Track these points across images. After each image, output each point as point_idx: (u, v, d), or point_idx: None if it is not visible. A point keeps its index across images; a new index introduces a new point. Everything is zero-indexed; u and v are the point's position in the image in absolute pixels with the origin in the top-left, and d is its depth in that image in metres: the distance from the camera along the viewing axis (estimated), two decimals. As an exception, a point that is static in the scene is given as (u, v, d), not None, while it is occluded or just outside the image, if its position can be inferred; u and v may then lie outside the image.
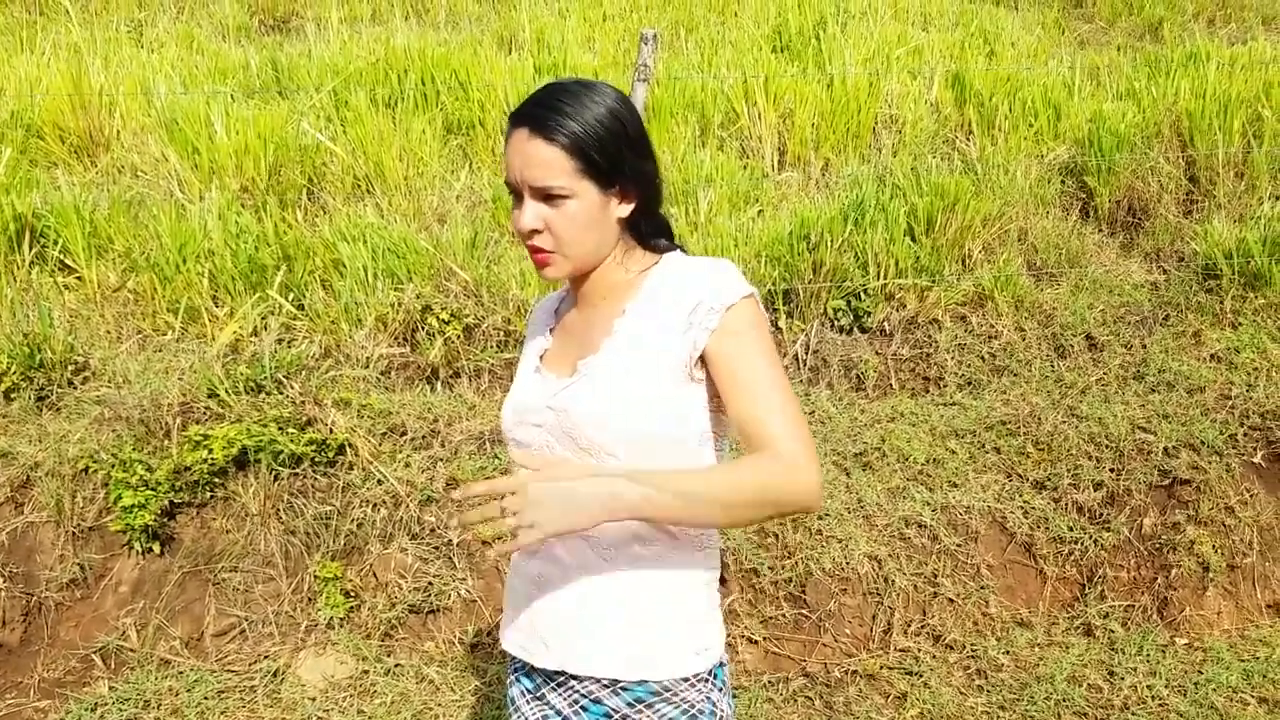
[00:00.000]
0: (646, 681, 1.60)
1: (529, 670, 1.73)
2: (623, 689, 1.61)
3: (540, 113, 1.56)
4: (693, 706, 1.61)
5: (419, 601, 3.61)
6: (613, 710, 1.62)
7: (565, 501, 1.45)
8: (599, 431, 1.56)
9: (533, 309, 1.88)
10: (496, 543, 1.51)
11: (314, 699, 3.40)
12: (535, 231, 1.58)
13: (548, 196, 1.56)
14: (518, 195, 1.60)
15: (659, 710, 1.60)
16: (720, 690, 1.66)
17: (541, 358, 1.74)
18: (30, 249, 4.36)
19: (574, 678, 1.64)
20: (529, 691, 1.73)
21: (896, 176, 5.00)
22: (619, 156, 1.56)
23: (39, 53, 6.17)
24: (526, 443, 1.66)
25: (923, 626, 3.72)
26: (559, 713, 1.67)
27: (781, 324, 4.47)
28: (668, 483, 1.48)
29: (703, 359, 1.57)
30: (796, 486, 1.47)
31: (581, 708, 1.65)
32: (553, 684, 1.68)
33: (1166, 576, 3.88)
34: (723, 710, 1.65)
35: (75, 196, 4.54)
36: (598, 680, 1.62)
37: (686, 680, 1.61)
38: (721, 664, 1.67)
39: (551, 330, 1.77)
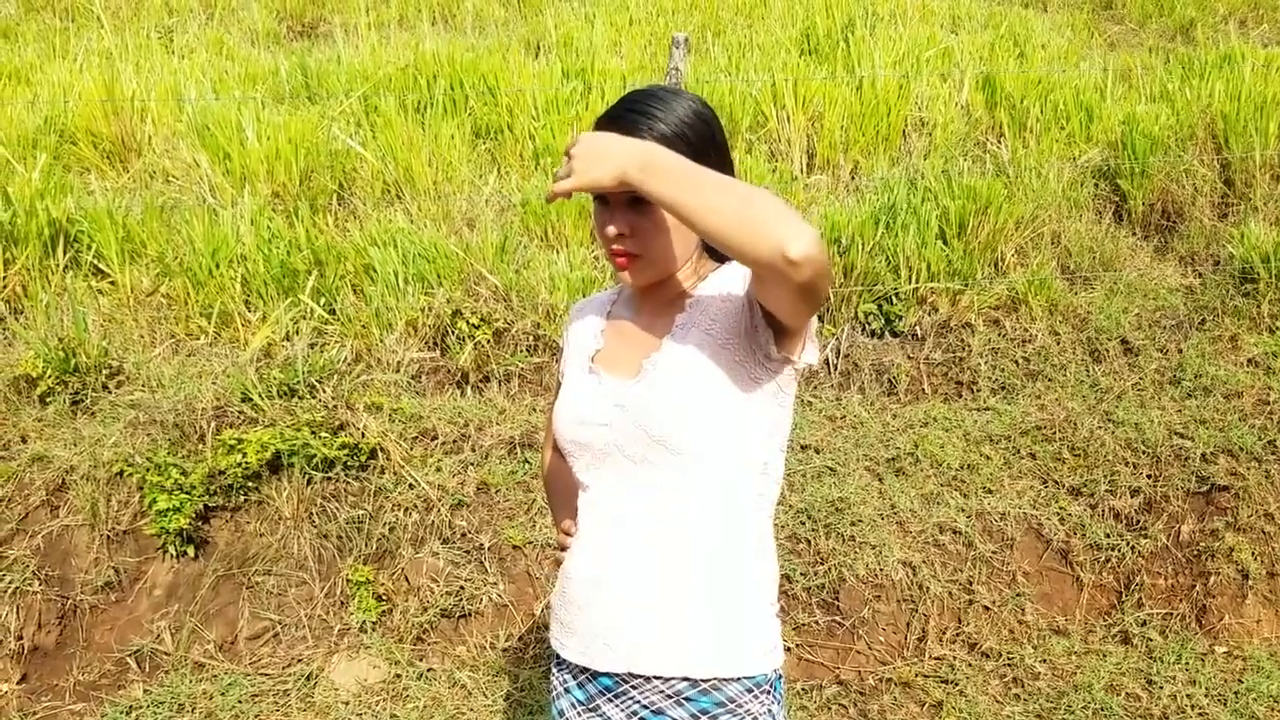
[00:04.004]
0: (718, 686, 1.59)
1: (582, 682, 1.71)
2: (686, 699, 1.60)
3: (629, 116, 1.57)
4: (756, 719, 1.60)
5: (451, 606, 3.61)
6: None
7: (593, 157, 1.47)
8: (674, 422, 1.57)
9: (574, 309, 1.87)
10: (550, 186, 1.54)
11: (347, 703, 3.41)
12: (621, 235, 1.59)
13: (637, 200, 1.57)
14: (602, 199, 1.60)
15: None
16: (779, 704, 1.64)
17: (593, 359, 1.73)
18: (64, 254, 4.39)
19: (635, 686, 1.63)
20: (580, 703, 1.71)
21: (928, 179, 4.97)
22: (706, 159, 1.55)
23: (71, 59, 6.23)
24: (588, 444, 1.66)
25: (958, 634, 3.69)
26: None
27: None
28: (684, 161, 1.48)
29: (759, 305, 1.57)
30: (791, 215, 1.40)
31: (640, 719, 1.63)
32: (610, 694, 1.66)
33: (1205, 584, 3.83)
34: None
35: (108, 202, 4.58)
36: (666, 681, 1.60)
37: (750, 691, 1.60)
38: (780, 675, 1.66)
39: (601, 332, 1.76)
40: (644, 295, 1.70)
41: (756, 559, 1.66)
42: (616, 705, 1.65)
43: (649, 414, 1.59)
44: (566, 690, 1.73)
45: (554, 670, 1.78)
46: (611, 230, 1.60)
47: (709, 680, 1.59)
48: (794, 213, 1.41)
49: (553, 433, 1.87)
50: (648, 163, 1.45)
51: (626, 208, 1.59)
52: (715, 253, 1.71)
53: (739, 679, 1.60)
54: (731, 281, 1.65)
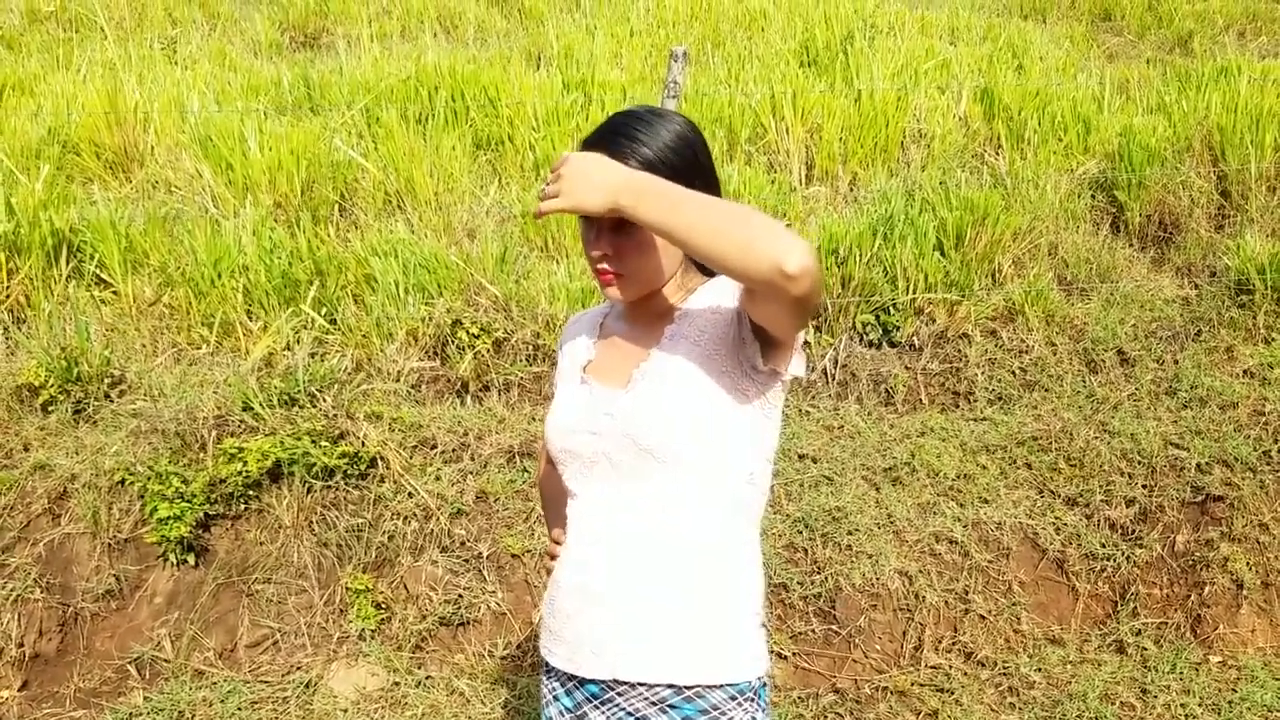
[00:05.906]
0: (702, 694, 1.61)
1: (569, 689, 1.73)
2: (671, 706, 1.61)
3: (614, 139, 1.60)
4: None
5: (449, 614, 3.63)
6: None
7: (583, 180, 1.50)
8: (662, 432, 1.60)
9: (570, 322, 1.91)
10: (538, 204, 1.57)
11: (345, 710, 3.42)
12: (605, 256, 1.63)
13: (621, 223, 1.59)
14: (588, 218, 1.63)
15: None
16: (764, 712, 1.66)
17: (585, 369, 1.76)
18: (67, 264, 4.43)
19: (621, 693, 1.65)
20: (569, 711, 1.73)
21: (925, 191, 5.00)
22: (689, 182, 1.58)
23: (75, 70, 6.27)
24: (578, 452, 1.68)
25: (954, 643, 3.70)
26: None
27: (810, 338, 4.46)
28: (673, 186, 1.51)
29: (748, 318, 1.60)
30: (784, 230, 1.43)
31: None
32: (596, 701, 1.68)
33: (1200, 594, 3.84)
34: None
35: (111, 212, 4.61)
36: (650, 688, 1.62)
37: (734, 698, 1.62)
38: (764, 684, 1.68)
39: (594, 343, 1.79)
40: (634, 308, 1.74)
41: (742, 568, 1.69)
42: (602, 712, 1.67)
43: (637, 423, 1.61)
44: (555, 698, 1.75)
45: (543, 678, 1.80)
46: (596, 252, 1.64)
47: (693, 687, 1.61)
48: (785, 227, 1.44)
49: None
50: (636, 190, 1.48)
51: (610, 230, 1.62)
52: (702, 266, 1.73)
53: (723, 686, 1.62)
54: (719, 294, 1.68)
